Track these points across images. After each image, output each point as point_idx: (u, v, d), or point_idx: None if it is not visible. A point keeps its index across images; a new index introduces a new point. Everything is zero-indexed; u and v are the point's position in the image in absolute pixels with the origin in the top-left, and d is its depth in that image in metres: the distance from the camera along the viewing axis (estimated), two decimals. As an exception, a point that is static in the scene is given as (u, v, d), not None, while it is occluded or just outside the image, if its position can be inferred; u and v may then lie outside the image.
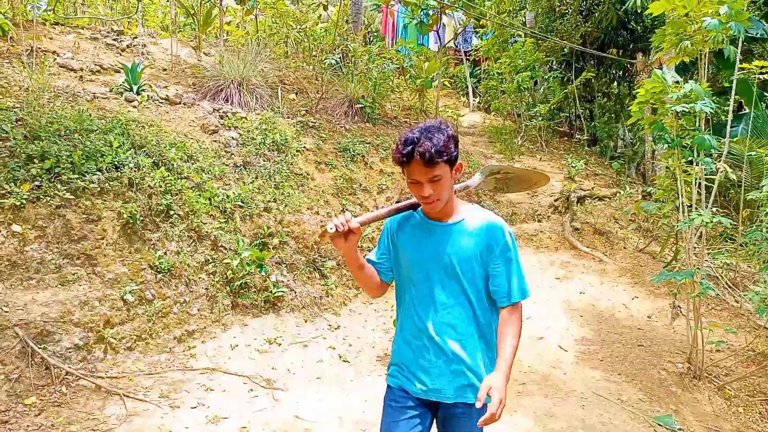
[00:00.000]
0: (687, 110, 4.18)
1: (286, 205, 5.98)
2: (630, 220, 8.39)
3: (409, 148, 1.88)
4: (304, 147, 6.96)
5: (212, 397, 3.99)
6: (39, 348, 3.79)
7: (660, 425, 3.89)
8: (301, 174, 6.59)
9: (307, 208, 6.19)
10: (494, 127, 11.93)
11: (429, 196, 1.93)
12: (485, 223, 2.07)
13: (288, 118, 7.49)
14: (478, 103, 14.56)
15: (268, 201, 5.87)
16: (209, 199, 5.36)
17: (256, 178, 6.07)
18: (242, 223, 5.54)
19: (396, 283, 2.23)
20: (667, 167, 5.68)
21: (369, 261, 2.22)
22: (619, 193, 8.80)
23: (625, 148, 11.98)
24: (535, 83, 12.33)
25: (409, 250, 2.12)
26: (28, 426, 3.39)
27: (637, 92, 4.69)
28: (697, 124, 4.39)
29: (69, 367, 3.86)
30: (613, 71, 12.32)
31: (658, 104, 4.55)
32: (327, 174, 6.91)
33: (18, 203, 4.18)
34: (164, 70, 7.93)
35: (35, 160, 4.48)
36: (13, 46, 6.51)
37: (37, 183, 4.38)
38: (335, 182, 6.86)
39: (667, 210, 5.93)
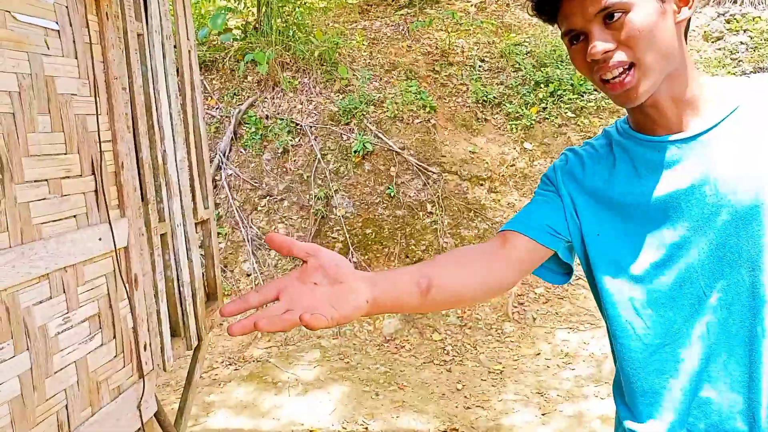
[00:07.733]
0: None
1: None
2: None
3: None
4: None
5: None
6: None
7: None
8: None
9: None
10: None
11: (605, 62, 0.79)
12: None
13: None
14: None
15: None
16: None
17: None
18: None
19: (605, 302, 0.93)
20: None
21: (513, 227, 0.96)
22: None
23: None
24: None
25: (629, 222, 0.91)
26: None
27: None
28: None
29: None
30: None
31: None
32: None
33: (528, 124, 4.80)
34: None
35: (541, 86, 5.02)
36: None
37: (543, 105, 4.92)
38: None
39: None
